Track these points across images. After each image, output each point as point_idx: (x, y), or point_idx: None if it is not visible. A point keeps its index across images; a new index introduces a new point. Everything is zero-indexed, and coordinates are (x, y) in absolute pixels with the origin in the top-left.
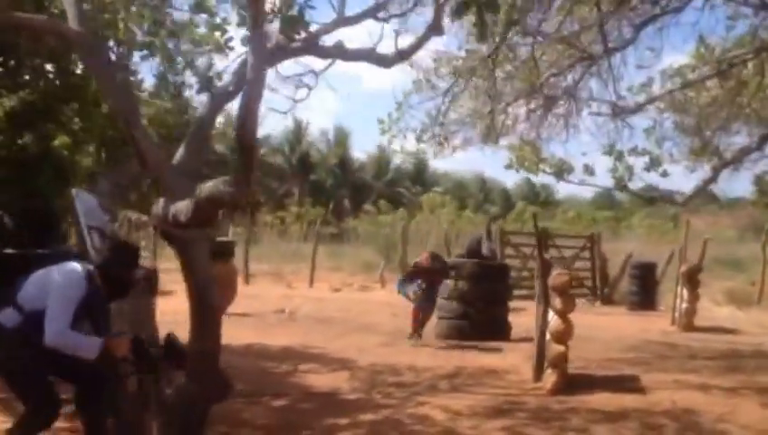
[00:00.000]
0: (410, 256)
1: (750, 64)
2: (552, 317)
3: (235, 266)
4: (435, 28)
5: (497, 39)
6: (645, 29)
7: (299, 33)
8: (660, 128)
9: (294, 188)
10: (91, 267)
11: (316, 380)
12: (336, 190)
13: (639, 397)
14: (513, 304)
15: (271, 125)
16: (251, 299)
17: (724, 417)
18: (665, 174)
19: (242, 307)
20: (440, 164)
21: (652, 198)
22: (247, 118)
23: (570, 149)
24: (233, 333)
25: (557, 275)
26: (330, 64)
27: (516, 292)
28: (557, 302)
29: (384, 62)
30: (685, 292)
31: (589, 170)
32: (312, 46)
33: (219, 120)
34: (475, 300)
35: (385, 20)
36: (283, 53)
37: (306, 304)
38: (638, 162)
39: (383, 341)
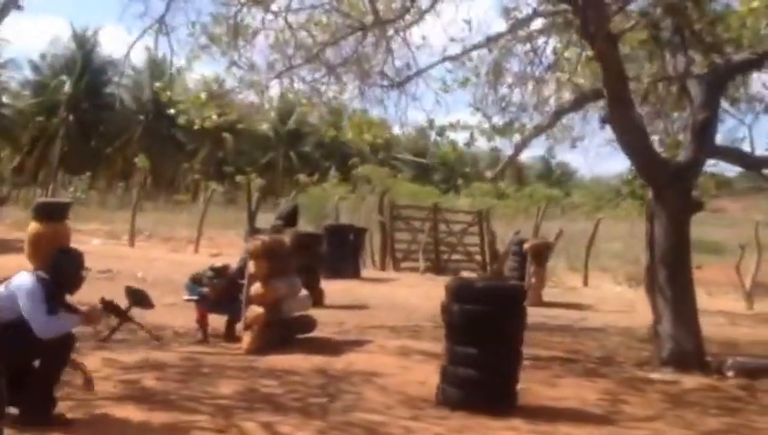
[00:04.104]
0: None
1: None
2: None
3: (68, 227)
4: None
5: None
6: None
7: None
8: (485, 102)
9: (280, 158)
10: (40, 273)
11: None
12: (323, 162)
13: (329, 358)
14: (390, 274)
15: None
16: (106, 260)
17: (378, 376)
18: (495, 149)
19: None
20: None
21: (465, 174)
22: None
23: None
24: None
25: (251, 241)
26: None
27: (404, 264)
28: (251, 265)
29: None
30: (532, 268)
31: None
32: None
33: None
34: None
35: None
36: None
37: (159, 268)
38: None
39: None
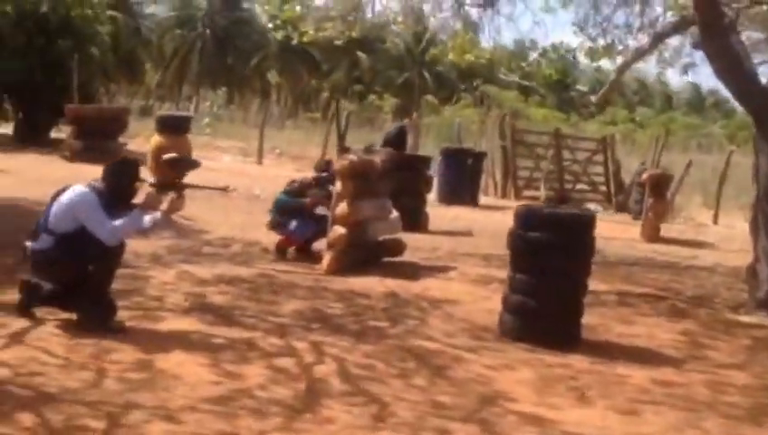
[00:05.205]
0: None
1: None
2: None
3: (188, 141)
4: None
5: None
6: None
7: None
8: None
9: (416, 78)
10: (94, 184)
11: None
12: (459, 83)
13: (404, 283)
14: (509, 202)
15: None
16: (230, 177)
17: (449, 303)
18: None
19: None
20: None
21: (571, 98)
22: None
23: None
24: None
25: (340, 160)
26: None
27: (526, 192)
28: (338, 186)
29: None
30: (650, 201)
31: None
32: None
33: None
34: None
35: None
36: None
37: (279, 186)
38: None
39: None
